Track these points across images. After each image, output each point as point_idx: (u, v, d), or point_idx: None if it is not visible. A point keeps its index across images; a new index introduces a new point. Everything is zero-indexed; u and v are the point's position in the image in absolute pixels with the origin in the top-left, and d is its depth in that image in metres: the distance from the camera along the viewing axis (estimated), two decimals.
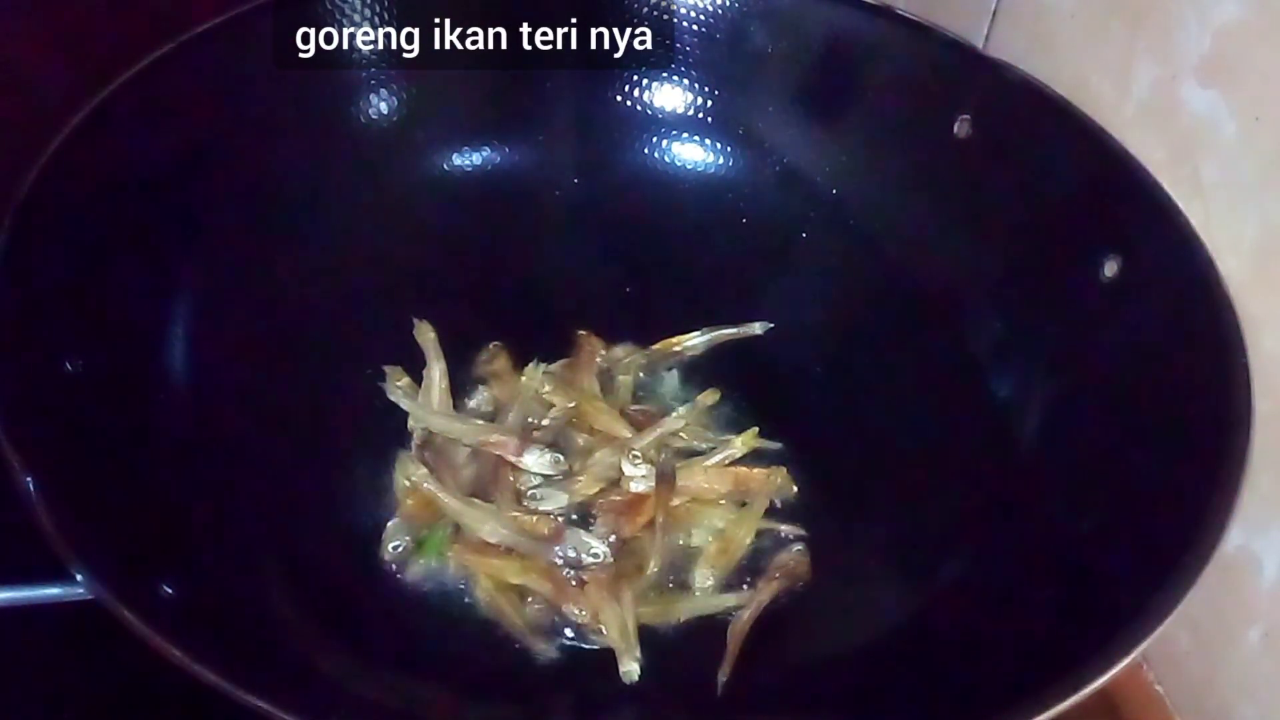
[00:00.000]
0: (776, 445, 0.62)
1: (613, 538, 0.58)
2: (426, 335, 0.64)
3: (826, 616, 0.56)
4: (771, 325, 0.67)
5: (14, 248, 0.51)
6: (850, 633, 0.55)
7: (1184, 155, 0.57)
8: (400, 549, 0.57)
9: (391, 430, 0.61)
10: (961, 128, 0.65)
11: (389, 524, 0.58)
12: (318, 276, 0.66)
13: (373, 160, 0.69)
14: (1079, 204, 0.61)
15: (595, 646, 0.55)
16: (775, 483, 0.60)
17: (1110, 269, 0.58)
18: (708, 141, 0.73)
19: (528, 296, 0.69)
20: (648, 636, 0.55)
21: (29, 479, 0.43)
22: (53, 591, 0.42)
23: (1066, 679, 0.42)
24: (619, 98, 0.72)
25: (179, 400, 0.57)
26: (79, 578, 0.42)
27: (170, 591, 0.45)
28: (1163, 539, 0.46)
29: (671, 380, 0.66)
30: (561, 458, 0.60)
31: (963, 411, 0.63)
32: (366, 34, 0.67)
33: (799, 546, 0.59)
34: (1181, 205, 0.56)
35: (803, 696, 0.53)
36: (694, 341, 0.67)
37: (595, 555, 0.57)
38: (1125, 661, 0.42)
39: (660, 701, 0.53)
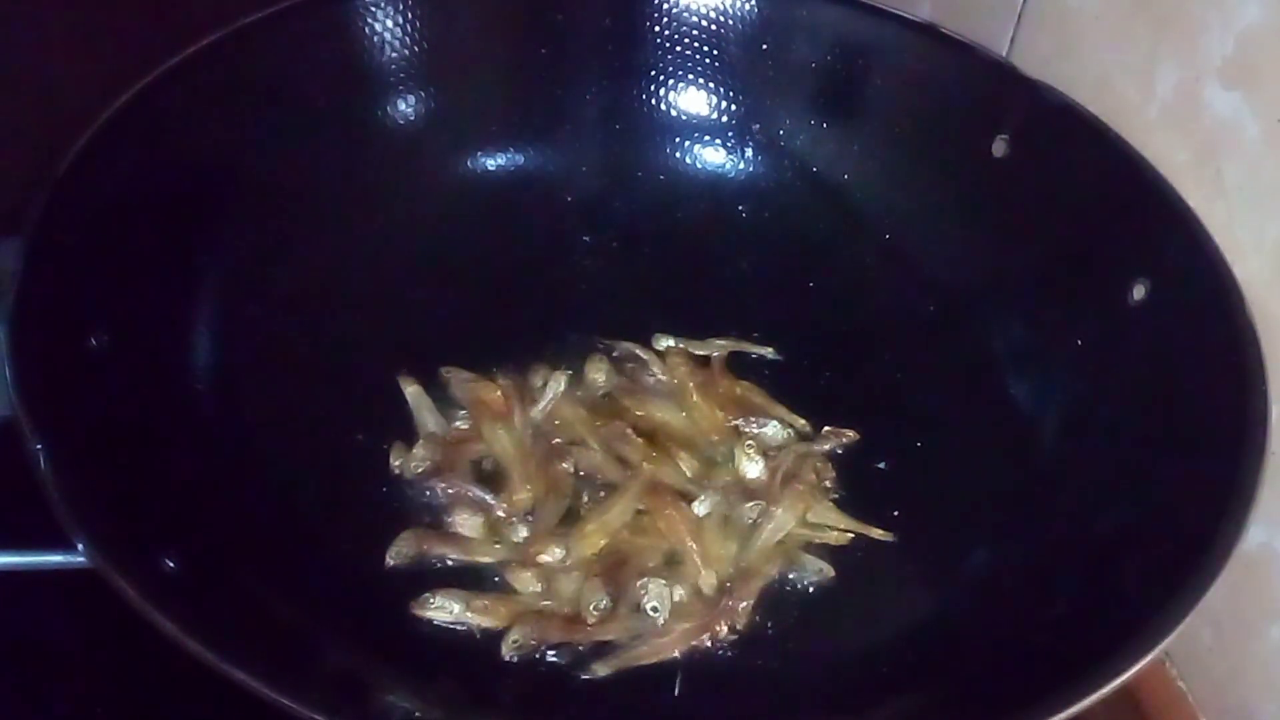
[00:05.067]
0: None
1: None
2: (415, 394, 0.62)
3: (849, 614, 0.56)
4: (780, 359, 0.66)
5: (50, 219, 0.52)
6: (873, 630, 0.55)
7: (1207, 157, 0.58)
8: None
9: (408, 425, 0.61)
10: (1000, 147, 0.66)
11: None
12: (340, 274, 0.66)
13: (397, 161, 0.70)
14: (1113, 228, 0.61)
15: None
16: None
17: (1139, 292, 0.58)
18: (738, 149, 0.73)
19: (549, 298, 0.69)
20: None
21: (38, 444, 0.44)
22: (54, 559, 0.43)
23: (1089, 676, 0.42)
24: (650, 99, 0.73)
25: (198, 384, 0.58)
26: (79, 545, 0.42)
27: (172, 565, 0.45)
28: (1183, 538, 0.47)
29: None
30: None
31: (984, 412, 0.63)
32: (394, 34, 0.68)
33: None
34: (1205, 207, 0.57)
35: (828, 693, 0.53)
36: (701, 351, 0.66)
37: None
38: (1146, 659, 0.43)
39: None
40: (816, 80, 0.71)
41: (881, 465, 0.62)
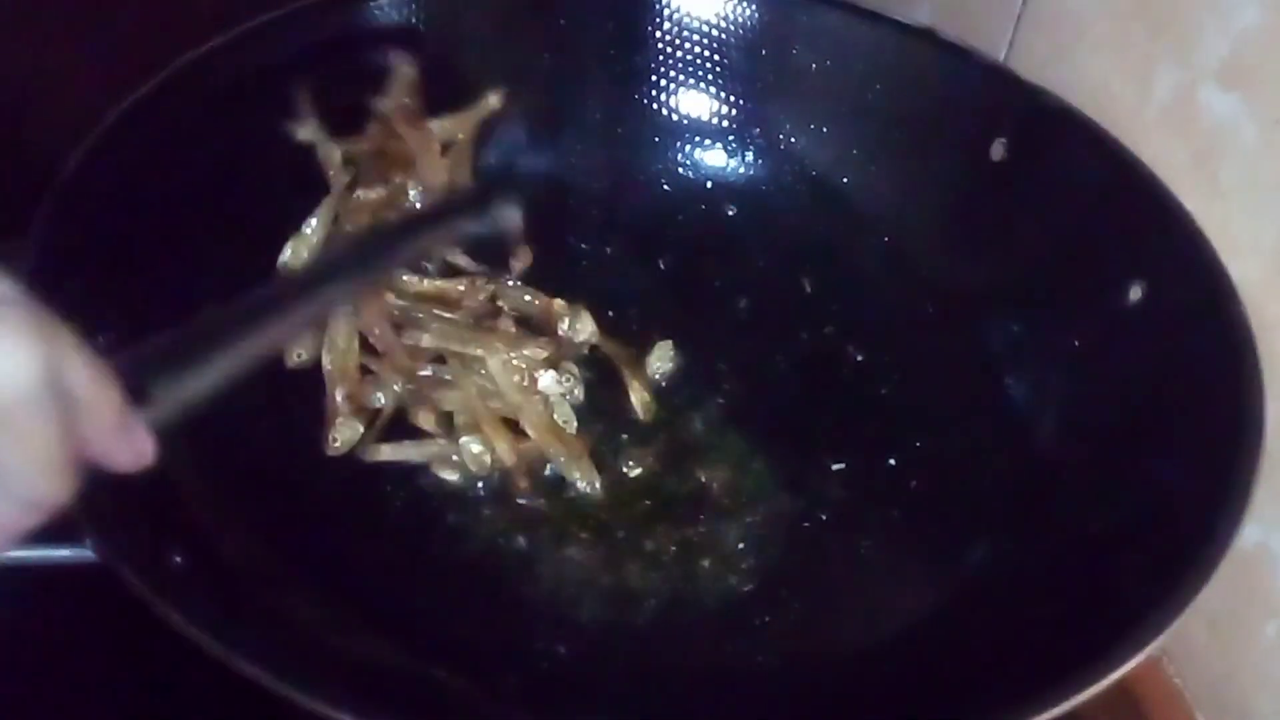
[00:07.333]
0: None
1: None
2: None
3: (848, 613, 0.57)
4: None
5: (56, 220, 0.53)
6: (871, 628, 0.56)
7: (1204, 158, 0.58)
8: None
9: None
10: (998, 150, 0.66)
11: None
12: None
13: None
14: (1110, 230, 0.61)
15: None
16: None
17: (1136, 293, 0.58)
18: (739, 151, 0.74)
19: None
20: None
21: None
22: (62, 553, 0.43)
23: (1085, 671, 0.43)
24: (652, 104, 0.73)
25: None
26: (87, 540, 0.42)
27: (179, 560, 0.46)
28: (1178, 536, 0.47)
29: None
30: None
31: (983, 412, 0.63)
32: (398, 38, 0.69)
33: None
34: (1202, 208, 0.57)
35: (828, 691, 0.53)
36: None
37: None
38: (1141, 655, 0.43)
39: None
40: (816, 85, 0.72)
41: (879, 462, 0.62)
